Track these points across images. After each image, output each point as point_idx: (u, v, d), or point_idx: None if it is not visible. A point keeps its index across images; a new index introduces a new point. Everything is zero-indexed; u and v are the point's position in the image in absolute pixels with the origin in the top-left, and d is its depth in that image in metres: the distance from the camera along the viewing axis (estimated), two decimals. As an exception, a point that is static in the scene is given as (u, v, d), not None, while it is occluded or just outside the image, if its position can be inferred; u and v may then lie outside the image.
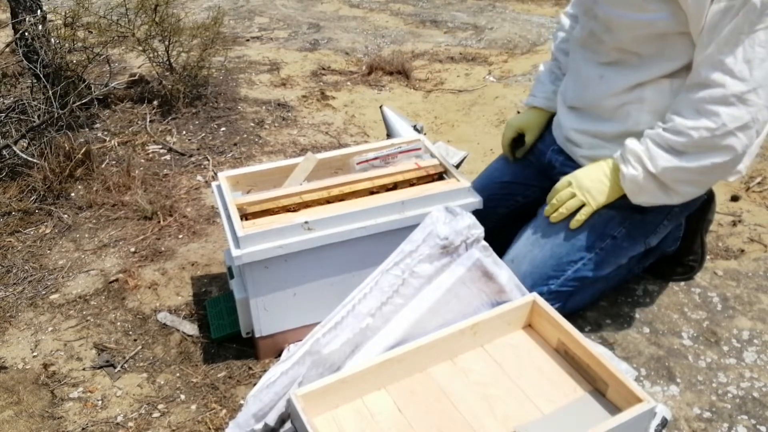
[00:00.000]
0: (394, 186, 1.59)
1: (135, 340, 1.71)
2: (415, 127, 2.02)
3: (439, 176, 1.63)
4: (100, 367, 1.63)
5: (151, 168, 2.49)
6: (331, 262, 1.51)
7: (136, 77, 3.10)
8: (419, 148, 1.69)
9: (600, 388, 1.18)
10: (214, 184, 1.63)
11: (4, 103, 2.63)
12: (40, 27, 2.65)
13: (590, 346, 1.19)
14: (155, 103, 2.95)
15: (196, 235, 2.11)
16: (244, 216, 1.50)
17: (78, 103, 2.67)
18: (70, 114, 2.62)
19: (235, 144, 2.67)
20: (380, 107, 2.14)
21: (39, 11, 2.68)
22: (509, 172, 1.81)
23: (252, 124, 2.83)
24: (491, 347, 1.28)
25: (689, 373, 1.54)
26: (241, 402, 1.49)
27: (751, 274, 1.84)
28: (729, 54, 1.26)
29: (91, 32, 2.94)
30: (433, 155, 1.68)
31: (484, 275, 1.28)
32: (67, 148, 2.36)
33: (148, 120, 2.82)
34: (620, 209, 1.51)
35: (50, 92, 2.49)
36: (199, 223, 2.17)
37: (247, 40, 3.92)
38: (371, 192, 1.58)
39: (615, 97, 1.47)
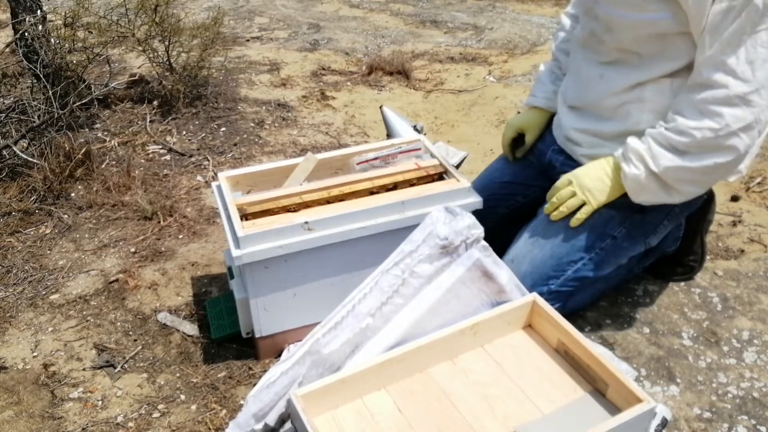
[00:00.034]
0: (394, 186, 1.59)
1: (135, 340, 1.71)
2: (415, 128, 2.02)
3: (439, 176, 1.63)
4: (100, 368, 1.63)
5: (151, 168, 2.49)
6: (331, 262, 1.51)
7: (136, 77, 3.10)
8: (419, 149, 1.69)
9: (600, 388, 1.18)
10: (214, 184, 1.63)
11: (4, 103, 2.63)
12: (40, 27, 2.65)
13: (590, 346, 1.19)
14: (155, 103, 2.95)
15: (196, 235, 2.11)
16: (244, 216, 1.50)
17: (78, 104, 2.67)
18: (70, 114, 2.62)
19: (235, 144, 2.67)
20: (380, 107, 2.14)
21: (39, 11, 2.68)
22: (509, 172, 1.81)
23: (252, 125, 2.83)
24: (491, 347, 1.28)
25: (689, 373, 1.54)
26: (241, 402, 1.49)
27: (751, 274, 1.84)
28: (731, 55, 1.26)
29: (91, 32, 2.94)
30: (433, 155, 1.68)
31: (484, 275, 1.28)
32: (67, 149, 2.36)
33: (148, 120, 2.82)
34: (620, 209, 1.51)
35: (50, 92, 2.49)
36: (199, 223, 2.17)
37: (247, 41, 3.92)
38: (371, 192, 1.58)
39: (615, 97, 1.47)
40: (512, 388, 1.19)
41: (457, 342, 1.24)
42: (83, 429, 1.47)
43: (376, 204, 1.49)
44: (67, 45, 2.88)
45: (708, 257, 1.87)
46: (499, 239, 1.59)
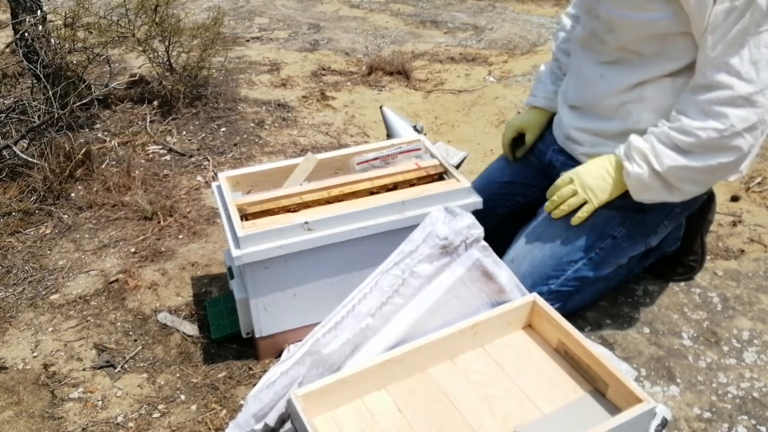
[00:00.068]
0: (394, 186, 1.59)
1: (135, 340, 1.71)
2: (415, 128, 2.02)
3: (439, 176, 1.63)
4: (101, 368, 1.63)
5: (151, 168, 2.49)
6: (331, 262, 1.51)
7: (137, 77, 3.10)
8: (419, 149, 1.69)
9: (600, 389, 1.18)
10: (214, 184, 1.63)
11: (4, 103, 2.63)
12: (40, 27, 2.65)
13: (590, 346, 1.19)
14: (155, 103, 2.95)
15: (196, 235, 2.11)
16: (244, 216, 1.50)
17: (78, 104, 2.67)
18: (71, 114, 2.62)
19: (235, 144, 2.67)
20: (380, 107, 2.14)
21: (39, 12, 2.68)
22: (509, 173, 1.81)
23: (252, 125, 2.83)
24: (491, 347, 1.28)
25: (689, 373, 1.54)
26: (241, 402, 1.49)
27: (751, 275, 1.84)
28: (735, 56, 1.26)
29: (91, 33, 2.94)
30: (433, 155, 1.68)
31: (483, 275, 1.28)
32: (67, 149, 2.36)
33: (148, 120, 2.82)
34: (620, 209, 1.51)
35: (50, 92, 2.49)
36: (199, 223, 2.17)
37: (247, 41, 3.92)
38: (371, 192, 1.58)
39: (616, 96, 1.47)
40: (512, 388, 1.19)
41: (457, 342, 1.24)
42: (83, 429, 1.47)
43: (376, 204, 1.49)
44: (67, 45, 2.88)
45: (708, 257, 1.87)
46: (499, 239, 1.59)
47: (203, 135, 2.74)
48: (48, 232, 2.15)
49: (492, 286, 1.29)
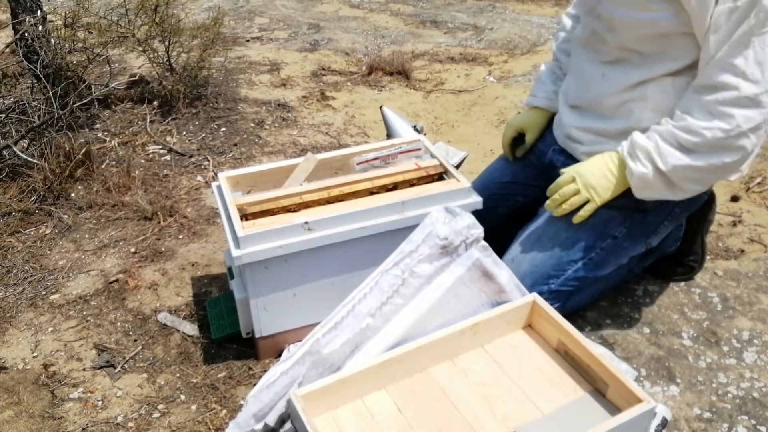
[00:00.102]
0: (394, 186, 1.59)
1: (135, 340, 1.71)
2: (415, 128, 2.02)
3: (439, 176, 1.63)
4: (101, 368, 1.63)
5: (151, 168, 2.49)
6: (331, 262, 1.51)
7: (137, 78, 3.10)
8: (419, 149, 1.69)
9: (600, 389, 1.18)
10: (214, 184, 1.63)
11: (4, 103, 2.63)
12: (40, 27, 2.65)
13: (590, 347, 1.19)
14: (155, 103, 2.95)
15: (196, 235, 2.11)
16: (245, 216, 1.50)
17: (78, 104, 2.67)
18: (71, 114, 2.62)
19: (235, 144, 2.67)
20: (380, 107, 2.14)
21: (39, 12, 2.68)
22: (509, 173, 1.81)
23: (252, 125, 2.83)
24: (491, 347, 1.28)
25: (689, 373, 1.54)
26: (241, 402, 1.49)
27: (751, 275, 1.84)
28: (740, 56, 1.26)
29: (91, 33, 2.94)
30: (433, 155, 1.68)
31: (483, 275, 1.28)
32: (68, 149, 2.36)
33: (148, 120, 2.82)
34: (621, 209, 1.51)
35: (50, 93, 2.49)
36: (199, 223, 2.17)
37: (247, 41, 3.92)
38: (371, 192, 1.58)
39: (617, 95, 1.47)
40: (512, 388, 1.19)
41: (457, 342, 1.24)
42: (83, 429, 1.47)
43: (376, 204, 1.49)
44: (67, 45, 2.88)
45: (708, 257, 1.87)
46: (499, 239, 1.59)
47: (203, 135, 2.74)
48: (48, 232, 2.15)
49: (492, 286, 1.29)
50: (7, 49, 2.93)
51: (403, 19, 4.34)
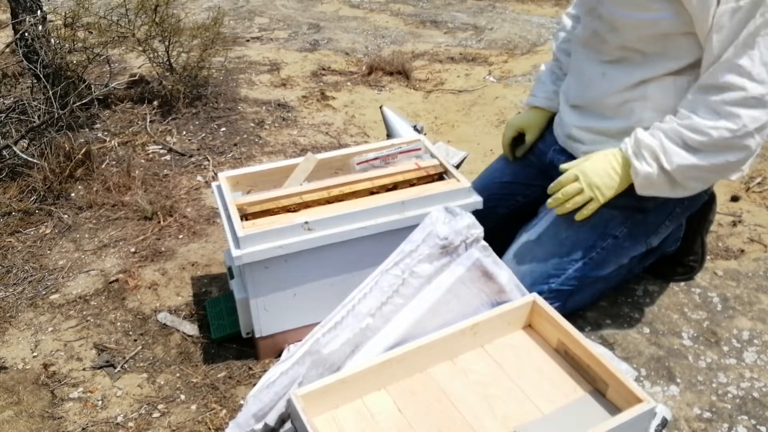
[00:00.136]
0: (394, 186, 1.59)
1: (135, 340, 1.71)
2: (415, 128, 2.02)
3: (439, 176, 1.63)
4: (100, 367, 1.63)
5: (151, 168, 2.49)
6: (331, 262, 1.51)
7: (136, 77, 3.10)
8: (419, 149, 1.69)
9: (600, 389, 1.18)
10: (214, 184, 1.63)
11: (4, 103, 2.63)
12: (40, 27, 2.65)
13: (590, 346, 1.19)
14: (155, 103, 2.95)
15: (196, 235, 2.11)
16: (244, 216, 1.50)
17: (78, 104, 2.67)
18: (71, 114, 2.62)
19: (235, 144, 2.67)
20: (380, 107, 2.14)
21: (39, 11, 2.68)
22: (509, 172, 1.81)
23: (252, 125, 2.83)
24: (491, 347, 1.28)
25: (689, 373, 1.54)
26: (241, 402, 1.49)
27: (751, 274, 1.84)
28: (745, 57, 1.27)
29: (91, 32, 2.94)
30: (433, 155, 1.68)
31: (483, 275, 1.28)
32: (67, 149, 2.36)
33: (148, 120, 2.82)
34: (622, 209, 1.51)
35: (50, 92, 2.49)
36: (199, 223, 2.17)
37: (247, 41, 3.92)
38: (371, 192, 1.58)
39: (618, 95, 1.47)
40: (512, 388, 1.19)
41: (457, 342, 1.24)
42: (83, 429, 1.47)
43: (376, 204, 1.49)
44: (67, 45, 2.88)
45: (708, 257, 1.87)
46: (499, 239, 1.59)
47: (203, 135, 2.74)
48: (48, 232, 2.15)
49: (492, 286, 1.29)
50: (7, 49, 2.93)
51: (403, 19, 4.34)
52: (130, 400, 1.54)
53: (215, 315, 1.72)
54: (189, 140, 2.70)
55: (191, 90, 2.97)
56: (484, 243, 1.29)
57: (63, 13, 2.93)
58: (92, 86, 2.90)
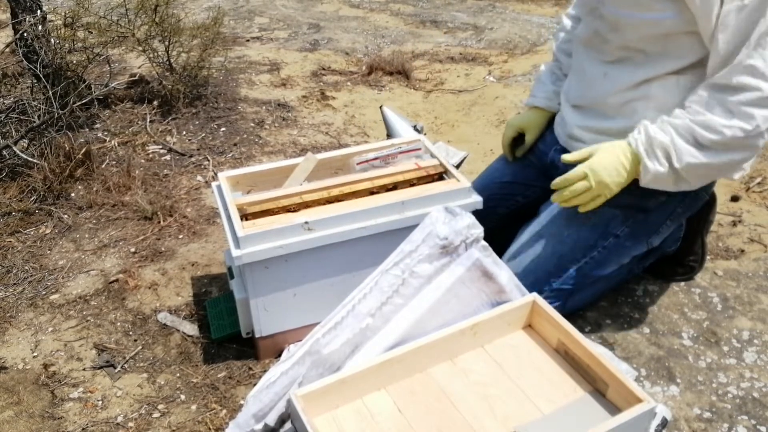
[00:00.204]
0: (394, 186, 1.59)
1: (135, 340, 1.71)
2: (415, 128, 2.02)
3: (439, 176, 1.63)
4: (101, 368, 1.63)
5: (151, 168, 2.49)
6: (331, 262, 1.51)
7: (136, 77, 3.10)
8: (419, 149, 1.69)
9: (600, 389, 1.18)
10: (214, 184, 1.63)
11: (4, 103, 2.63)
12: (40, 27, 2.65)
13: (590, 347, 1.19)
14: (155, 103, 2.95)
15: (196, 235, 2.11)
16: (244, 216, 1.50)
17: (78, 104, 2.67)
18: (71, 114, 2.62)
19: (235, 144, 2.67)
20: (380, 107, 2.14)
21: (39, 11, 2.68)
22: (509, 173, 1.81)
23: (252, 125, 2.83)
24: (491, 347, 1.28)
25: (689, 373, 1.54)
26: (241, 402, 1.49)
27: (751, 275, 1.84)
28: (758, 58, 1.27)
29: (91, 32, 2.94)
30: (433, 155, 1.68)
31: (483, 275, 1.28)
32: (67, 149, 2.36)
33: (148, 120, 2.82)
34: (624, 208, 1.51)
35: (50, 92, 2.49)
36: (199, 223, 2.17)
37: (247, 41, 3.92)
38: (371, 192, 1.58)
39: (620, 94, 1.47)
40: (512, 388, 1.19)
41: (457, 342, 1.24)
42: (83, 429, 1.47)
43: (376, 204, 1.49)
44: (67, 45, 2.88)
45: (708, 257, 1.87)
46: (499, 239, 1.59)
47: (203, 135, 2.74)
48: (48, 232, 2.15)
49: (492, 286, 1.29)
50: (7, 49, 2.93)
51: (403, 19, 4.34)
52: (130, 400, 1.54)
53: (215, 315, 1.72)
54: (189, 140, 2.70)
55: (191, 90, 2.97)
56: (484, 243, 1.29)
57: (63, 13, 2.93)
58: (92, 86, 2.90)
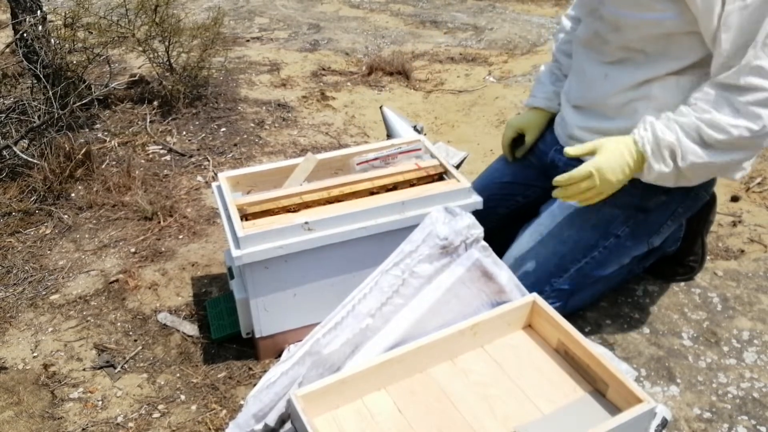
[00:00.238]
0: (394, 186, 1.59)
1: (135, 340, 1.71)
2: (415, 128, 2.02)
3: (439, 177, 1.63)
4: (101, 368, 1.63)
5: (151, 168, 2.49)
6: (331, 262, 1.51)
7: (137, 78, 3.10)
8: (419, 149, 1.69)
9: (600, 389, 1.18)
10: (214, 184, 1.63)
11: (4, 103, 2.63)
12: (40, 27, 2.65)
13: (590, 347, 1.19)
14: (155, 103, 2.95)
15: (197, 235, 2.11)
16: (245, 216, 1.50)
17: (78, 104, 2.67)
18: (71, 114, 2.62)
19: (236, 144, 2.67)
20: (380, 108, 2.14)
21: (39, 12, 2.68)
22: (509, 173, 1.81)
23: (252, 125, 2.83)
24: (491, 347, 1.28)
25: (689, 373, 1.54)
26: (241, 402, 1.49)
27: (751, 275, 1.84)
28: (766, 58, 1.26)
29: (91, 33, 2.94)
30: (433, 156, 1.68)
31: (483, 275, 1.28)
32: (68, 149, 2.36)
33: (148, 120, 2.82)
34: (624, 208, 1.51)
35: (50, 93, 2.49)
36: (199, 223, 2.17)
37: (247, 41, 3.92)
38: (371, 192, 1.58)
39: (621, 95, 1.47)
40: (512, 388, 1.19)
41: (457, 342, 1.24)
42: (83, 429, 1.47)
43: (376, 204, 1.49)
44: (67, 45, 2.88)
45: (708, 257, 1.87)
46: (499, 239, 1.59)
47: (203, 135, 2.74)
48: (48, 232, 2.15)
49: (492, 286, 1.29)
50: (7, 49, 2.93)
51: (403, 19, 4.34)
52: (130, 401, 1.54)
53: (215, 315, 1.72)
54: (189, 140, 2.70)
55: (191, 90, 2.97)
56: (484, 243, 1.29)
57: (63, 14, 2.93)
58: (92, 86, 2.90)
